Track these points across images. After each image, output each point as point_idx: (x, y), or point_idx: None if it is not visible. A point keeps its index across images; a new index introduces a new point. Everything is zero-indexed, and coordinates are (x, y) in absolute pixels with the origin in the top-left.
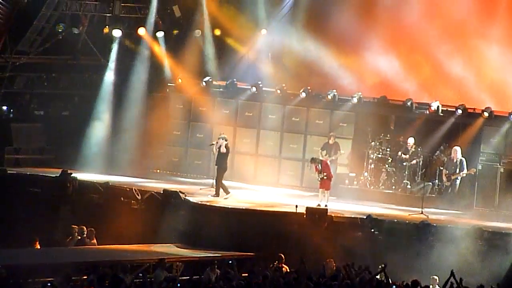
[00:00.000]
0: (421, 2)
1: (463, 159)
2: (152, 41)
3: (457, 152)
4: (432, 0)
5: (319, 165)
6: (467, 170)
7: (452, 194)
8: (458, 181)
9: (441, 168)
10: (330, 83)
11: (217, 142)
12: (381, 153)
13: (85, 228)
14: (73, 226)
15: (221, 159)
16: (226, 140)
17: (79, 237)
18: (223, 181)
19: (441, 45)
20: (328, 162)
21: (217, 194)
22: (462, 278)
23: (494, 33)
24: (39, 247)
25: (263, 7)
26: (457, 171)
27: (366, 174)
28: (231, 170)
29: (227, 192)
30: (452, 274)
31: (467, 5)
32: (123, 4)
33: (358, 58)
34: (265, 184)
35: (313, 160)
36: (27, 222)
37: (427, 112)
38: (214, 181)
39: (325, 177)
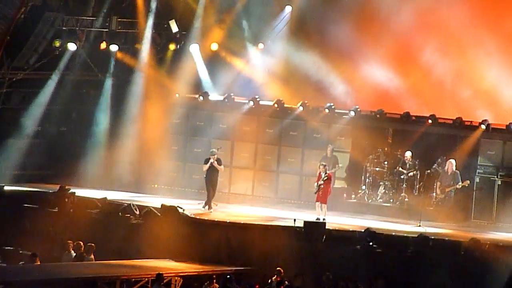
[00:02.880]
0: (418, 14)
1: (458, 171)
2: (149, 56)
3: (452, 165)
4: (429, 12)
5: (324, 174)
6: (462, 182)
7: (448, 206)
8: (452, 194)
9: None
10: (328, 96)
11: (213, 158)
12: (378, 167)
13: (81, 244)
14: (69, 241)
15: (216, 173)
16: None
17: (75, 253)
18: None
19: (438, 57)
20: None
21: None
22: None
23: (490, 45)
24: (39, 263)
25: (260, 21)
26: (452, 183)
27: (364, 187)
28: (228, 184)
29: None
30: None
31: (464, 17)
32: (119, 20)
33: (355, 71)
34: (263, 198)
35: (323, 165)
36: (25, 238)
37: (425, 125)
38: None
39: (321, 186)
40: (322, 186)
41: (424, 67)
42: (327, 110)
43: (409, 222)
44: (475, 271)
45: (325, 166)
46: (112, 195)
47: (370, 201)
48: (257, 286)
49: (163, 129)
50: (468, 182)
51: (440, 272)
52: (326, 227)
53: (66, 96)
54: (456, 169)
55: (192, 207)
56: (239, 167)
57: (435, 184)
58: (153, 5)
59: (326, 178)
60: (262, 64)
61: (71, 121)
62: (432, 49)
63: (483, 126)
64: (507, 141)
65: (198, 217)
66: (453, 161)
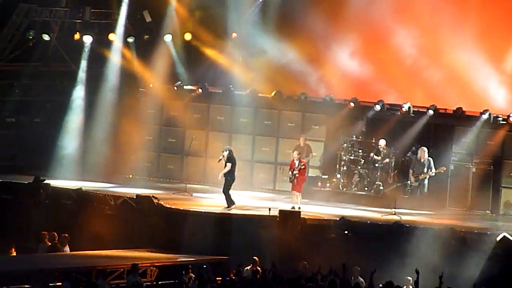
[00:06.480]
0: (391, 1)
1: (430, 159)
2: (123, 47)
3: (424, 152)
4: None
5: (298, 162)
6: (436, 169)
7: (422, 194)
8: (426, 181)
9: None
10: (302, 85)
11: (223, 156)
12: (353, 155)
13: (55, 234)
14: (43, 232)
15: (228, 171)
16: (229, 152)
17: (50, 243)
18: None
19: (411, 45)
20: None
21: (228, 206)
22: (438, 278)
23: (464, 32)
24: (15, 254)
25: (234, 11)
26: (425, 171)
27: (338, 176)
28: (204, 174)
29: (231, 204)
30: (417, 273)
31: (438, 4)
32: (93, 10)
33: (329, 59)
34: (238, 187)
35: (297, 153)
36: (0, 230)
37: (399, 113)
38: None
39: (297, 175)
40: (297, 175)
41: (398, 54)
42: (301, 99)
43: (384, 211)
44: (451, 259)
45: (299, 153)
46: (87, 186)
47: (344, 189)
48: (232, 276)
49: (138, 119)
50: (445, 168)
51: (415, 260)
52: (301, 216)
53: (40, 88)
54: (429, 156)
55: (167, 197)
56: (214, 157)
57: (409, 172)
58: None
59: (303, 166)
60: (236, 54)
61: (45, 112)
62: (406, 36)
63: (457, 114)
64: (481, 128)
65: (173, 207)
66: (425, 148)
